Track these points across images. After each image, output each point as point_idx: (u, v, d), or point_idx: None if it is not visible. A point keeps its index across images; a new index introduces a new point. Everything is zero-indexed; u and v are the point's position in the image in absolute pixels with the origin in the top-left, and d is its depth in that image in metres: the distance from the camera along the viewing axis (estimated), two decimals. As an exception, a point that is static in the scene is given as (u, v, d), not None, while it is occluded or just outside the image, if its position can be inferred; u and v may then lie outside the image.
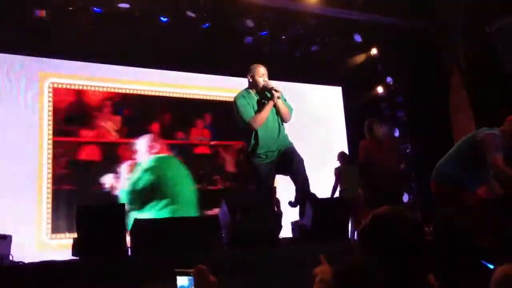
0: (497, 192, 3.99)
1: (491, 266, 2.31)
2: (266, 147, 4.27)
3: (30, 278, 2.80)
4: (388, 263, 1.53)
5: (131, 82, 7.44)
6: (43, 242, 6.39)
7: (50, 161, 6.64)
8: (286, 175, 4.36)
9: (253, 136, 4.26)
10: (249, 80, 4.42)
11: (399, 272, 1.54)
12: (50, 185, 6.56)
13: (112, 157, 6.80)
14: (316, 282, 1.68)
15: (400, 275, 1.54)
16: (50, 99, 6.83)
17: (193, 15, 6.98)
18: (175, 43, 7.13)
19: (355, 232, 6.17)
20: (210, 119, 7.87)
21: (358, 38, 8.14)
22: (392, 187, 5.60)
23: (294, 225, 4.26)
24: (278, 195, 5.42)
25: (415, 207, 7.83)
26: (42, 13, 6.40)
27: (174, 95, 7.73)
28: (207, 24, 7.19)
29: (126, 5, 6.64)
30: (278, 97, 4.28)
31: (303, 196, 4.15)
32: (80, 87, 7.08)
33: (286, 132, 4.45)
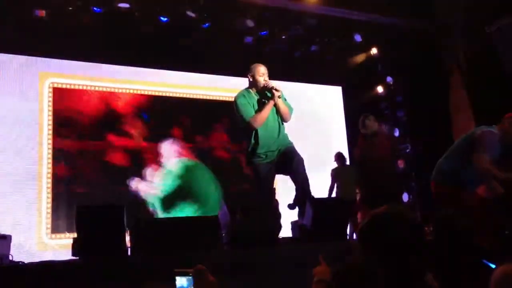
0: (497, 192, 3.99)
1: (493, 266, 2.31)
2: (266, 147, 4.27)
3: (29, 278, 2.79)
4: (388, 263, 1.53)
5: (131, 82, 7.44)
6: (43, 242, 6.39)
7: (50, 161, 6.63)
8: (286, 174, 4.36)
9: (253, 135, 4.26)
10: (249, 80, 4.42)
11: (399, 272, 1.53)
12: (50, 185, 6.56)
13: (137, 161, 6.92)
14: (314, 282, 1.68)
15: (399, 275, 1.53)
16: (50, 99, 6.83)
17: (193, 15, 6.97)
18: (175, 43, 7.13)
19: (353, 234, 6.16)
20: (228, 123, 7.75)
21: (358, 38, 8.14)
22: (390, 185, 5.58)
23: (294, 225, 4.26)
24: (276, 197, 5.42)
25: (415, 207, 7.83)
26: (42, 13, 6.39)
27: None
28: (207, 24, 7.18)
29: (126, 5, 6.64)
30: (279, 97, 4.28)
31: (303, 195, 4.14)
32: (80, 87, 7.08)
33: (286, 131, 4.45)
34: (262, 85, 4.31)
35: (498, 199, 3.97)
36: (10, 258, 3.41)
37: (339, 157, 7.26)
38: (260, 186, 4.35)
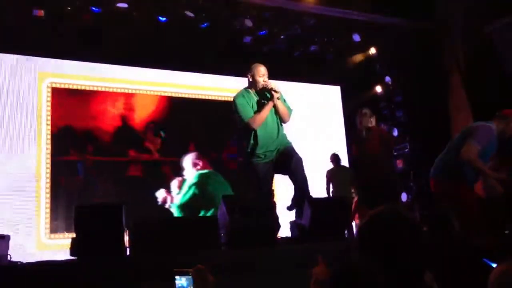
0: (497, 191, 3.98)
1: (494, 265, 2.31)
2: (265, 147, 4.27)
3: (28, 278, 2.79)
4: (387, 263, 1.52)
5: (131, 82, 7.44)
6: (41, 242, 6.38)
7: (48, 161, 6.63)
8: (284, 174, 4.35)
9: (252, 136, 4.25)
10: (249, 80, 4.41)
11: (398, 272, 1.53)
12: (48, 185, 6.56)
13: (155, 174, 6.99)
14: (312, 282, 1.67)
15: (399, 275, 1.53)
16: (49, 99, 6.82)
17: (192, 15, 6.96)
18: (174, 42, 7.13)
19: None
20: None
21: (357, 37, 8.14)
22: (385, 183, 5.53)
23: (293, 224, 4.25)
24: (274, 199, 5.41)
25: (414, 206, 7.82)
26: (41, 12, 6.38)
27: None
28: (205, 24, 7.18)
29: (125, 5, 6.63)
30: (278, 98, 4.27)
31: (302, 195, 4.14)
32: (80, 87, 7.08)
33: (284, 131, 4.44)
34: (261, 86, 4.31)
35: (497, 198, 3.97)
36: (9, 258, 3.40)
37: (334, 158, 7.26)
38: (259, 186, 4.34)
